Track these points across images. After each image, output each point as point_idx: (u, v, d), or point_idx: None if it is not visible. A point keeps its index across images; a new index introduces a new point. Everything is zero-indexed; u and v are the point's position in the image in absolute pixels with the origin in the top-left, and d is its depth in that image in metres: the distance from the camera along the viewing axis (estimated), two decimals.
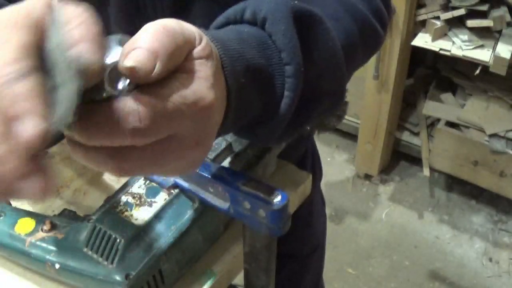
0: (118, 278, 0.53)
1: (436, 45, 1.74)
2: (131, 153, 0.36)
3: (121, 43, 0.37)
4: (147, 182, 0.60)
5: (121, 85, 0.36)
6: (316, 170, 1.02)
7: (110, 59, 0.36)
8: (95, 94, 0.35)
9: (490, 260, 1.95)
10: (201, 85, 0.37)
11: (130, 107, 0.34)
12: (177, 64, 0.37)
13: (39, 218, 0.60)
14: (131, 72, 0.34)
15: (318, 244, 1.09)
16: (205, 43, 0.39)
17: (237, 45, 0.44)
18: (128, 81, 0.36)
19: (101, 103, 0.35)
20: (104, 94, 0.35)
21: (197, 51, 0.38)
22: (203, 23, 0.48)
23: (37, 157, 0.31)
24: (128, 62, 0.34)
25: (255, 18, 0.48)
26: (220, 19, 0.50)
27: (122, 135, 0.34)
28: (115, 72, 0.36)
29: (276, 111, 0.47)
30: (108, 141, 0.35)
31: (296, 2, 0.49)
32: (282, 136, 0.51)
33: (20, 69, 0.31)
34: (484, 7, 1.67)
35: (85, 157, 0.37)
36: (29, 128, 0.30)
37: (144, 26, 0.37)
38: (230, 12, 0.49)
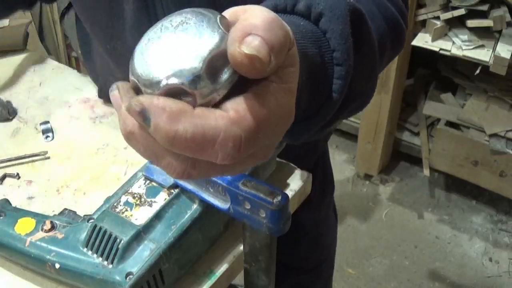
0: (118, 278, 0.53)
1: (436, 45, 1.74)
2: (205, 162, 0.32)
3: (222, 24, 0.31)
4: (147, 182, 0.60)
5: (223, 77, 0.29)
6: (326, 184, 1.00)
7: (207, 44, 0.29)
8: (194, 85, 0.29)
9: (490, 260, 1.95)
10: (290, 100, 0.33)
11: (232, 132, 0.30)
12: (280, 64, 0.32)
13: (39, 218, 0.60)
14: (250, 62, 0.29)
15: (327, 257, 1.07)
16: (295, 46, 0.34)
17: (301, 40, 0.41)
18: (229, 73, 0.30)
19: (201, 111, 0.29)
20: (204, 90, 0.29)
21: (290, 55, 0.33)
22: None
23: None
24: (248, 49, 0.29)
25: (309, 12, 0.44)
26: (267, 4, 0.46)
27: (213, 155, 0.30)
28: (217, 61, 0.29)
29: (318, 111, 0.45)
30: (191, 153, 0.30)
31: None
32: (312, 134, 0.48)
33: None
34: (484, 7, 1.67)
35: (152, 154, 0.32)
36: None
37: (249, 8, 0.32)
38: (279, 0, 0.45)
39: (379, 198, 2.20)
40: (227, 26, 0.31)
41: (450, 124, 2.01)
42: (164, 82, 0.30)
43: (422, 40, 1.77)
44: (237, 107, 0.30)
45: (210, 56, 0.29)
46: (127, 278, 0.53)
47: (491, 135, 1.91)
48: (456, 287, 1.88)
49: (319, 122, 0.46)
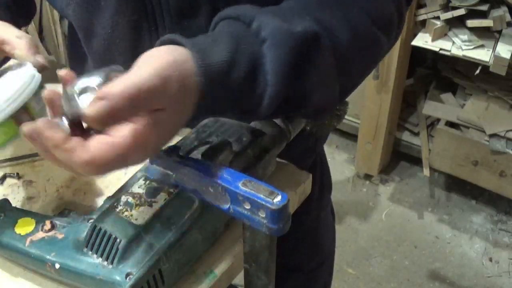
0: (118, 278, 0.53)
1: (436, 45, 1.74)
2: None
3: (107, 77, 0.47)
4: (147, 182, 0.60)
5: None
6: (325, 184, 1.00)
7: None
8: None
9: (490, 260, 1.95)
10: (109, 151, 0.46)
11: (82, 168, 0.47)
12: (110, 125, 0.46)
13: (39, 218, 0.60)
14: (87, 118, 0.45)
15: (326, 258, 1.08)
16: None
17: (225, 66, 0.49)
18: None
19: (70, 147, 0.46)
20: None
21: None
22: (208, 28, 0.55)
23: None
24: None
25: (258, 34, 0.52)
26: (230, 12, 0.54)
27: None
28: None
29: (249, 112, 0.54)
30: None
31: (299, 28, 0.53)
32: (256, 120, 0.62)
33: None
34: (484, 7, 1.67)
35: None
36: None
37: (133, 71, 0.47)
38: (243, 11, 0.53)
39: (379, 198, 2.20)
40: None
41: (450, 124, 2.01)
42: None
43: (422, 40, 1.77)
44: (96, 152, 0.45)
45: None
46: (127, 278, 0.53)
47: (491, 135, 1.91)
48: (456, 287, 1.88)
49: (251, 119, 0.59)
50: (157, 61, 0.47)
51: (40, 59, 0.62)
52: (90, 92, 0.47)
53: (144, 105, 0.45)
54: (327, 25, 0.55)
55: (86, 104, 0.46)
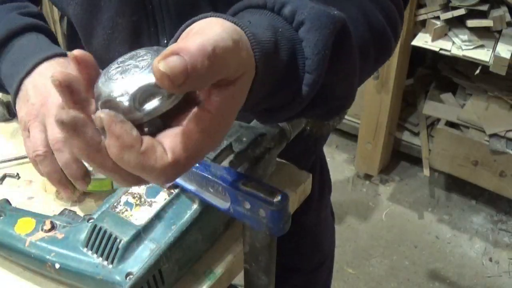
0: (118, 278, 0.53)
1: (436, 45, 1.74)
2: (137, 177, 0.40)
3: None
4: None
5: (149, 107, 0.37)
6: (324, 185, 1.00)
7: (139, 81, 0.37)
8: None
9: (490, 260, 1.95)
10: (218, 129, 0.39)
11: (167, 173, 0.37)
12: (197, 89, 0.38)
13: (39, 218, 0.60)
14: (161, 78, 0.34)
15: (326, 258, 1.08)
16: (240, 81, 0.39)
17: (270, 44, 0.44)
18: (156, 104, 0.37)
19: (146, 149, 0.37)
20: (131, 115, 0.37)
21: (227, 89, 0.38)
22: None
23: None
24: (162, 67, 0.34)
25: (293, 18, 0.47)
26: (252, 2, 0.49)
27: (145, 181, 0.40)
28: (145, 93, 0.37)
29: (282, 107, 0.49)
30: (128, 170, 0.38)
31: (335, 11, 0.48)
32: (280, 121, 0.56)
33: None
34: (484, 7, 1.67)
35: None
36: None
37: (200, 30, 0.38)
38: None
39: (379, 198, 2.20)
40: None
41: (450, 124, 2.01)
42: (104, 99, 0.38)
43: (422, 40, 1.77)
44: (174, 149, 0.37)
45: (140, 88, 0.36)
46: (127, 278, 0.53)
47: (491, 135, 1.91)
48: (456, 287, 1.88)
49: (283, 116, 0.50)
50: (223, 25, 0.39)
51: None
52: (129, 76, 0.37)
53: (221, 68, 0.37)
54: (349, 15, 0.52)
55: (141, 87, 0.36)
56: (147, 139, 0.37)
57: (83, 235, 0.57)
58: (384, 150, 2.16)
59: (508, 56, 1.63)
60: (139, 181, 0.39)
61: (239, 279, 0.65)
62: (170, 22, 0.67)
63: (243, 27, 0.41)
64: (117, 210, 0.57)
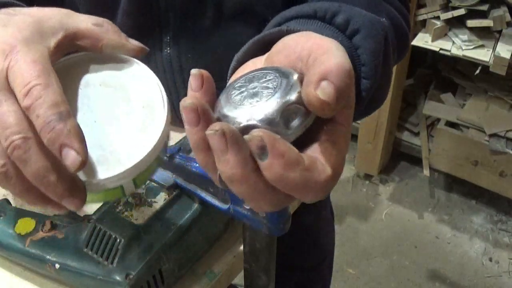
0: (118, 278, 0.53)
1: (436, 45, 1.74)
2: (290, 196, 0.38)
3: (298, 79, 0.38)
4: (147, 182, 0.60)
5: (295, 124, 0.36)
6: None
7: (284, 98, 0.36)
8: None
9: (490, 260, 1.95)
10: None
11: (328, 186, 0.36)
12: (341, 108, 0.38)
13: (39, 218, 0.60)
14: (321, 106, 0.35)
15: (326, 257, 1.08)
16: (353, 92, 0.39)
17: None
18: (300, 120, 0.37)
19: (310, 165, 0.36)
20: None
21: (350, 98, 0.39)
22: (242, 41, 0.49)
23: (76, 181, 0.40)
24: (322, 94, 0.35)
25: (347, 27, 0.48)
26: (307, 9, 0.49)
27: (305, 198, 0.37)
28: (290, 111, 0.36)
29: None
30: (288, 192, 0.36)
31: (381, 18, 0.50)
32: None
33: (64, 110, 0.38)
34: (484, 7, 1.67)
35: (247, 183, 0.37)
36: (70, 157, 0.37)
37: (328, 50, 0.37)
38: (320, 7, 0.48)
39: (379, 198, 2.20)
40: (301, 79, 0.38)
41: (450, 124, 2.01)
42: (244, 124, 0.36)
43: (422, 40, 1.77)
44: (331, 161, 0.37)
45: (285, 108, 0.36)
46: (127, 278, 0.53)
47: (491, 135, 1.91)
48: (456, 287, 1.88)
49: None
50: (327, 38, 0.39)
51: (136, 42, 0.49)
52: (265, 98, 0.37)
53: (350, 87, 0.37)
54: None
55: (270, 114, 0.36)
56: (306, 155, 0.36)
57: (83, 235, 0.57)
58: (384, 150, 2.16)
59: (508, 56, 1.63)
60: (289, 201, 0.38)
61: (239, 279, 0.65)
62: (175, 22, 0.67)
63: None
64: (117, 210, 0.57)
